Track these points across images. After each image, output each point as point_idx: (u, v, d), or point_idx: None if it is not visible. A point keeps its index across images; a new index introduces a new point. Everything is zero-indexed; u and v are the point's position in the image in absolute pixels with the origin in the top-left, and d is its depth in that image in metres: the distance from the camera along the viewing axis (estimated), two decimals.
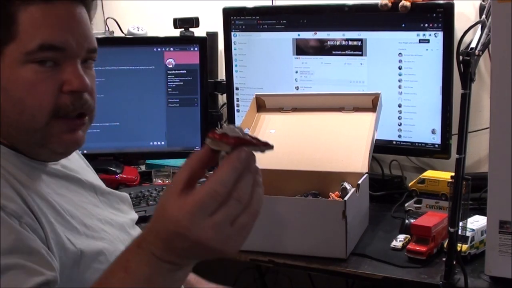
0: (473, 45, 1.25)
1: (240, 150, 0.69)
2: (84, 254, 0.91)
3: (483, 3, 1.69)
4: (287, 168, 1.57)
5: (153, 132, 1.97)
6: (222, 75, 2.07)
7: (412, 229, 1.37)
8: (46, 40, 0.89)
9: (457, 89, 1.48)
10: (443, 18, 1.65)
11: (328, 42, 1.82)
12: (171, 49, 1.97)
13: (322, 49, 1.83)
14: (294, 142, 1.63)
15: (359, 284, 1.81)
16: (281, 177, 1.55)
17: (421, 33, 1.68)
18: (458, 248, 1.23)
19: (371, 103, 1.64)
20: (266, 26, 1.89)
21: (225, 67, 1.98)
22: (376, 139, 1.57)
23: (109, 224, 1.03)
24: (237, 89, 1.98)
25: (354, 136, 1.59)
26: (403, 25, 1.71)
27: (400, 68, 1.74)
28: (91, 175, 1.12)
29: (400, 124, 1.77)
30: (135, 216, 1.15)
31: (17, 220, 0.83)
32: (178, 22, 2.05)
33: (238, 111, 1.99)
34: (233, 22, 1.93)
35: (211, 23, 2.09)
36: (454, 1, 1.64)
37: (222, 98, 2.12)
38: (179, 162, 1.99)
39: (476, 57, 1.22)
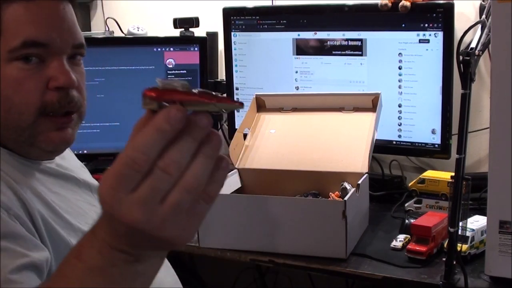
0: (473, 45, 1.24)
1: (169, 108, 0.55)
2: None
3: (483, 3, 1.69)
4: (287, 168, 1.57)
5: None
6: (222, 75, 2.07)
7: (412, 229, 1.37)
8: (29, 37, 0.89)
9: (457, 89, 1.48)
10: (443, 18, 1.65)
11: (328, 42, 1.82)
12: (171, 49, 1.97)
13: (322, 49, 1.83)
14: (294, 142, 1.63)
15: (359, 284, 1.81)
16: (281, 177, 1.55)
17: (421, 33, 1.68)
18: (458, 248, 1.23)
19: (371, 103, 1.64)
20: (266, 26, 1.89)
21: (225, 67, 1.98)
22: (376, 139, 1.57)
23: None
24: (237, 89, 1.98)
25: (354, 136, 1.59)
26: (403, 25, 1.71)
27: (400, 68, 1.73)
28: (86, 174, 1.12)
29: (400, 124, 1.77)
30: None
31: (5, 212, 0.82)
32: (178, 22, 2.06)
33: (238, 111, 1.99)
34: (233, 22, 1.93)
35: (211, 23, 2.09)
36: (454, 1, 1.64)
37: None
38: None
39: (476, 57, 1.21)
